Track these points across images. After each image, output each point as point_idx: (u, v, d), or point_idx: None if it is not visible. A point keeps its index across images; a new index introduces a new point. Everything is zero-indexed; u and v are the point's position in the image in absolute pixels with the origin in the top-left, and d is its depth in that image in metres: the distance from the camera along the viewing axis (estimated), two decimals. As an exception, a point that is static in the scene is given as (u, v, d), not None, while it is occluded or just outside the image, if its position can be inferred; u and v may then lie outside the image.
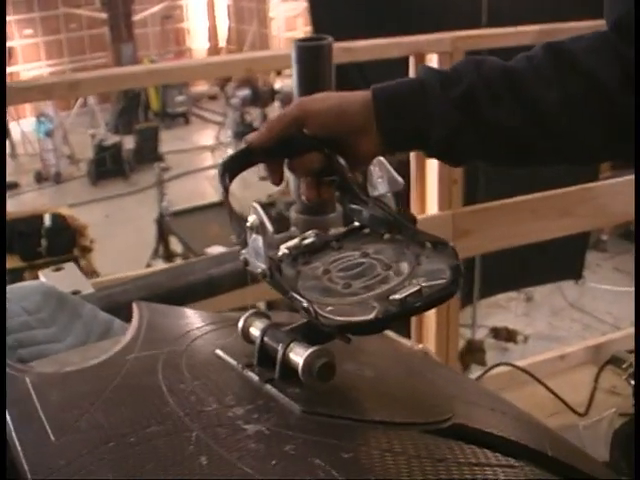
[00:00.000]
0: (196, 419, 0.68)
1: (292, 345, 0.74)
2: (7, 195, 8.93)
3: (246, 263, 0.82)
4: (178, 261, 6.14)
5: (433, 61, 2.34)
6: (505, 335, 5.24)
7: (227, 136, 9.96)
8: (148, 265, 6.28)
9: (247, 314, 0.82)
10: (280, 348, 0.75)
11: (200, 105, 12.74)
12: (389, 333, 1.62)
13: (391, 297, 0.72)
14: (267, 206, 6.44)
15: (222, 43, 13.93)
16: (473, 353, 4.86)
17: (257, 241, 0.79)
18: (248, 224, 0.79)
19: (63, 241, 6.00)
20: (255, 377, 0.76)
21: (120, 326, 1.13)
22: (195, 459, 0.62)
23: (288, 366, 0.74)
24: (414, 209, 2.47)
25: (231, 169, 0.93)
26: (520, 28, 2.39)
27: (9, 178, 9.71)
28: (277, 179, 0.98)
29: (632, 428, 1.97)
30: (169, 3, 13.55)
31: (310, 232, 0.86)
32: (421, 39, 2.34)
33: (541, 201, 2.62)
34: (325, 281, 0.78)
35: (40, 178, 10.04)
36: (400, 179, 0.86)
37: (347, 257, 0.81)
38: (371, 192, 0.89)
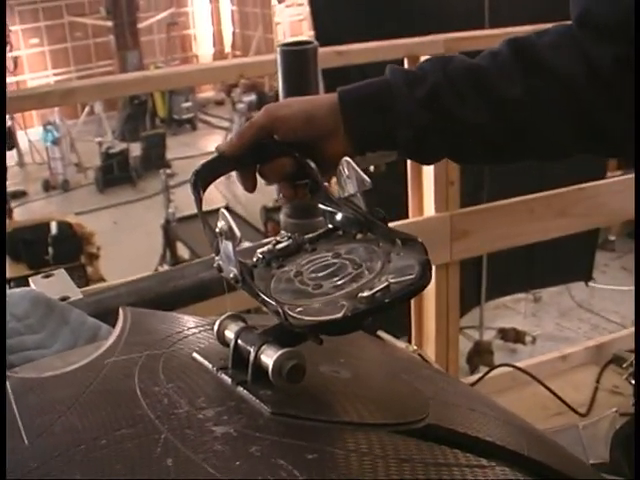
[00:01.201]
0: (166, 421, 0.69)
1: (264, 347, 0.75)
2: (15, 204, 8.99)
3: (220, 269, 0.82)
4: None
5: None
6: (513, 336, 5.24)
7: (233, 141, 9.96)
8: (156, 271, 6.31)
9: (222, 317, 0.82)
10: (252, 350, 0.75)
11: (206, 111, 12.78)
12: (384, 336, 1.62)
13: (359, 295, 0.72)
14: (273, 210, 6.46)
15: (227, 49, 13.96)
16: (481, 355, 4.86)
17: (227, 247, 0.80)
18: (217, 230, 0.80)
19: (70, 249, 6.04)
20: (228, 379, 0.77)
21: (107, 331, 1.14)
22: (162, 460, 0.62)
23: (260, 368, 0.74)
24: (411, 211, 2.48)
25: (203, 178, 0.95)
26: (512, 29, 2.39)
27: (17, 187, 9.76)
28: (250, 186, 0.99)
29: (632, 428, 1.97)
30: (174, 10, 13.60)
31: (284, 236, 0.87)
32: (414, 41, 2.35)
33: (539, 201, 2.62)
34: (297, 283, 0.79)
35: (48, 186, 10.09)
36: (367, 179, 0.86)
37: (320, 259, 0.82)
38: (340, 193, 0.89)
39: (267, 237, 6.33)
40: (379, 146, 1.03)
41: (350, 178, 0.87)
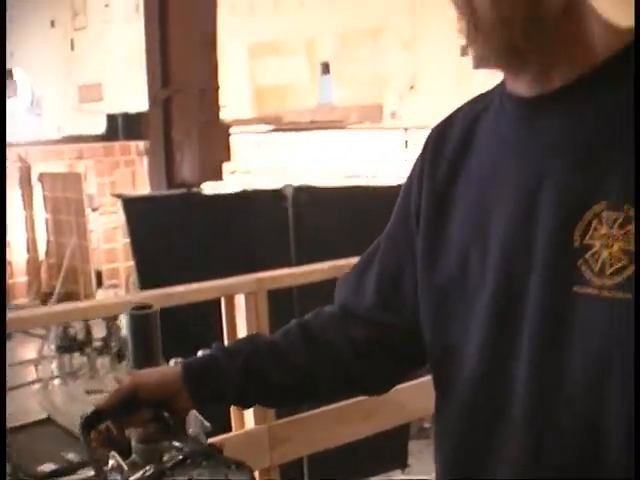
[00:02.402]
0: None
1: None
2: None
3: None
4: (7, 481, 6.10)
5: (241, 301, 2.72)
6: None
7: (50, 350, 9.97)
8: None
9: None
10: None
11: (22, 319, 12.66)
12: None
13: None
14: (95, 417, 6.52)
15: (42, 256, 14.02)
16: None
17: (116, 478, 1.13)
18: (109, 466, 1.12)
19: None
20: None
21: None
22: None
23: None
24: (234, 425, 2.79)
25: (88, 428, 1.26)
26: (312, 266, 2.81)
27: None
28: (120, 431, 1.30)
29: None
30: (-14, 218, 13.66)
31: (149, 465, 1.20)
32: (230, 282, 2.71)
33: (346, 407, 2.92)
34: None
35: None
36: (207, 423, 1.26)
37: None
38: (189, 433, 1.27)
39: (91, 445, 6.32)
40: (213, 402, 1.37)
41: (196, 423, 1.27)
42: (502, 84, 1.17)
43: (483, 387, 1.15)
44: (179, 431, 1.27)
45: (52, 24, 17.39)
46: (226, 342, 2.69)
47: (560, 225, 1.04)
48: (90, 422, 1.28)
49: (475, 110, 1.24)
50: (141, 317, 1.58)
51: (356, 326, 1.36)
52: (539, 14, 1.02)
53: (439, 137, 1.28)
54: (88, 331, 9.56)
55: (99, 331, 9.72)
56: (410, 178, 1.33)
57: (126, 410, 1.30)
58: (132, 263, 6.04)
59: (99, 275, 12.32)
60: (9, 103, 15.55)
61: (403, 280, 1.31)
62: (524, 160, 1.11)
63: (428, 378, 1.31)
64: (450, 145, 1.25)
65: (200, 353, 1.62)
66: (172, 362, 1.51)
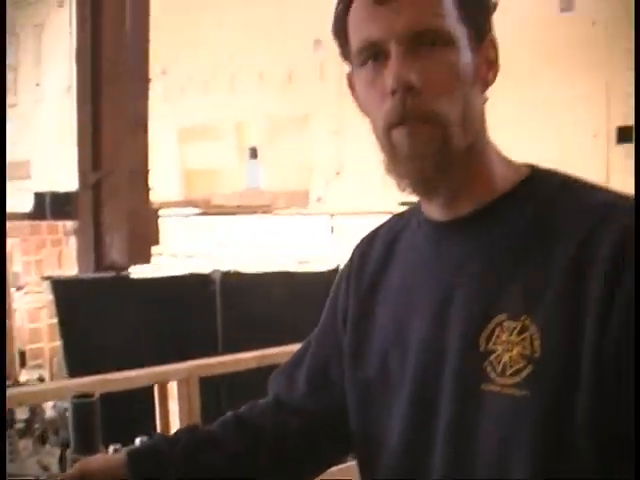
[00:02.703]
0: None
1: None
2: None
3: None
4: None
5: (174, 388, 2.79)
6: None
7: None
8: None
9: None
10: None
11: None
12: None
13: None
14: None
15: (-37, 336, 13.78)
16: None
17: None
18: None
19: None
20: None
21: None
22: None
23: None
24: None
25: None
26: (243, 355, 2.93)
27: None
28: None
29: None
30: None
31: None
32: (163, 369, 2.80)
33: None
34: None
35: None
36: None
37: None
38: None
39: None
40: None
41: None
42: (418, 207, 1.33)
43: (405, 468, 1.28)
44: None
45: (-19, 101, 17.36)
46: (158, 427, 2.77)
47: (468, 332, 1.20)
48: None
49: (395, 229, 1.41)
50: (84, 405, 1.67)
51: (290, 414, 1.48)
52: (448, 151, 1.18)
53: (365, 248, 1.45)
54: (10, 412, 9.40)
55: (22, 412, 9.59)
56: (337, 286, 1.49)
57: None
58: (57, 343, 6.04)
59: (23, 355, 12.13)
60: None
61: (332, 372, 1.45)
62: (438, 276, 1.27)
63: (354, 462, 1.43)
64: (374, 256, 1.41)
65: (138, 441, 1.75)
66: (111, 448, 1.63)
